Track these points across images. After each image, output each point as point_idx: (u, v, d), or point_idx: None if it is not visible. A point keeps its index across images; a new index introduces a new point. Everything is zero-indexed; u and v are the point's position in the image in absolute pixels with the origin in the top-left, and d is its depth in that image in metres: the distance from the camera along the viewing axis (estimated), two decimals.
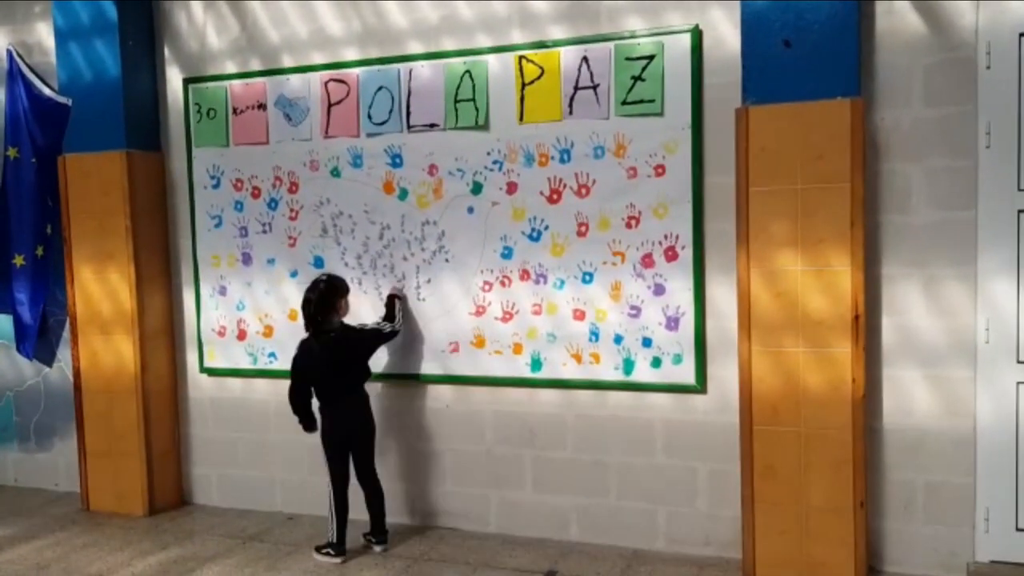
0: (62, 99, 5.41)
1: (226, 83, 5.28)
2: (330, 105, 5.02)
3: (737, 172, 4.10)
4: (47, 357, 5.95)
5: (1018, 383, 3.95)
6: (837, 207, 3.90)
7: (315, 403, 4.69)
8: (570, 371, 4.65)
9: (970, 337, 4.01)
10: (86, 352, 5.49)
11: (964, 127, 3.96)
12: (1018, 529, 4.00)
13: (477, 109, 4.70)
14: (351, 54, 5.02)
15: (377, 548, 4.69)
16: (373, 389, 5.11)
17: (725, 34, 4.27)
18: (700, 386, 4.42)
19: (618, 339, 4.54)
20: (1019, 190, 3.91)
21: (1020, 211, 3.91)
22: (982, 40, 3.93)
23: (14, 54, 5.61)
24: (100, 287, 5.41)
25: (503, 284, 4.75)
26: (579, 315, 4.61)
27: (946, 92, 3.97)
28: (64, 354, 5.80)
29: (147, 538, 5.02)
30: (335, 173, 5.06)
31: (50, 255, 5.66)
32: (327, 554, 4.60)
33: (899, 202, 4.06)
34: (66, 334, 5.74)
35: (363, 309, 5.02)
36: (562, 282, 4.63)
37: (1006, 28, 3.89)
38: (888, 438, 4.15)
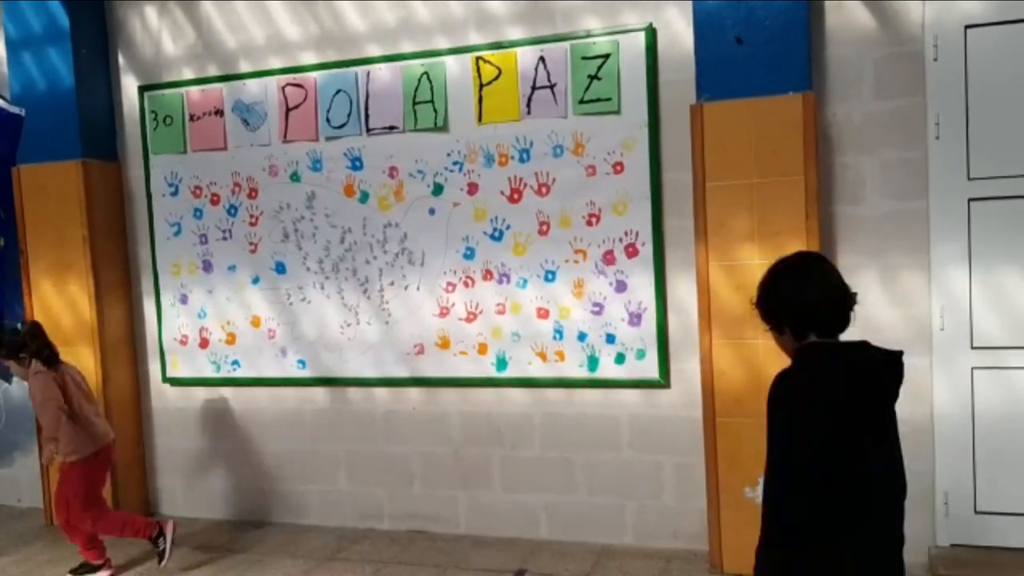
0: (15, 109, 5.31)
1: (182, 89, 5.24)
2: (288, 109, 5.00)
3: (694, 168, 4.14)
4: (6, 372, 5.85)
5: (973, 369, 4.03)
6: (792, 200, 3.96)
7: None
8: (536, 369, 4.67)
9: (926, 325, 4.08)
10: None
11: (914, 119, 4.04)
12: (977, 512, 4.08)
13: (436, 111, 4.70)
14: (308, 58, 5.00)
15: None
16: (338, 393, 5.10)
17: (679, 32, 4.32)
18: (664, 380, 4.46)
19: (582, 336, 4.57)
20: (969, 179, 4.00)
21: (970, 200, 4.00)
22: (929, 33, 4.01)
23: None
24: (59, 299, 5.34)
25: (467, 285, 4.75)
26: (543, 313, 4.63)
27: (895, 85, 4.05)
28: None
29: (114, 552, 4.94)
30: (295, 178, 5.04)
31: (3, 268, 5.55)
32: None
33: (853, 193, 4.13)
34: None
35: (327, 313, 5.01)
36: (525, 281, 4.65)
37: (952, 21, 3.98)
38: None
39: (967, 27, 3.96)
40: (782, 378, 2.15)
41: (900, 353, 2.30)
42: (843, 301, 2.22)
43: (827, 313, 2.21)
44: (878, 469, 2.16)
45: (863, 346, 2.24)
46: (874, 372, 2.21)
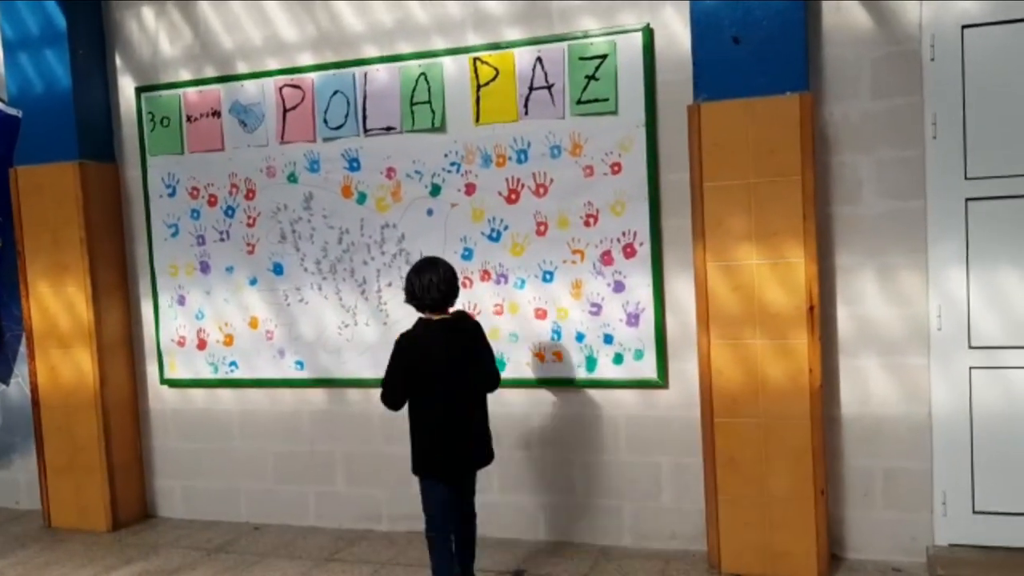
0: (12, 111, 5.31)
1: (180, 91, 5.23)
2: (286, 111, 5.00)
3: (691, 168, 4.14)
4: (4, 374, 5.84)
5: (971, 368, 4.03)
6: (790, 200, 3.96)
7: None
8: (534, 370, 4.67)
9: (923, 324, 4.08)
10: (44, 367, 5.41)
11: (911, 118, 4.04)
12: (975, 512, 4.08)
13: (433, 111, 4.70)
14: (306, 59, 5.00)
15: None
16: (336, 394, 5.10)
17: (676, 33, 4.31)
18: (662, 381, 4.45)
19: (580, 337, 4.56)
20: (966, 179, 3.99)
21: (968, 199, 4.00)
22: (926, 33, 4.01)
23: None
24: (56, 300, 5.33)
25: (464, 285, 4.74)
26: (541, 314, 4.63)
27: (893, 85, 4.05)
28: (21, 369, 5.70)
29: (111, 553, 4.95)
30: (292, 179, 5.03)
31: (1, 270, 5.55)
32: None
33: (850, 193, 4.13)
34: (23, 349, 5.63)
35: (325, 314, 5.00)
36: (523, 281, 4.65)
37: (949, 21, 3.98)
38: (846, 426, 4.22)
39: (964, 27, 3.96)
40: (402, 333, 3.81)
41: (465, 319, 3.93)
42: (441, 291, 3.73)
43: (429, 299, 3.74)
44: (443, 382, 3.73)
45: (451, 317, 3.83)
46: (441, 333, 3.76)
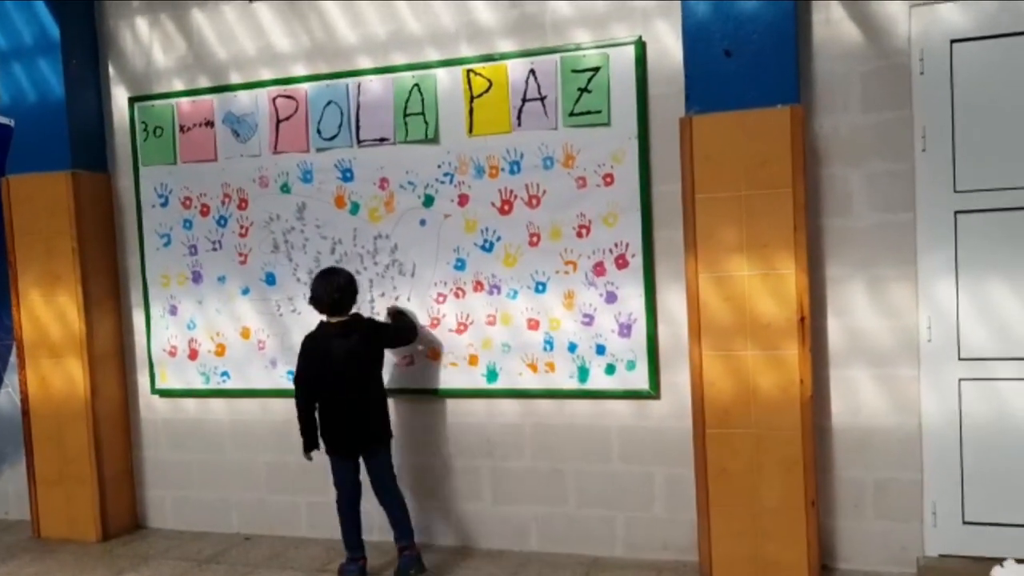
0: (4, 120, 5.30)
1: (173, 101, 5.24)
2: (279, 121, 5.01)
3: (683, 180, 4.17)
4: None
5: (960, 379, 4.06)
6: (780, 212, 3.99)
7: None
8: (526, 380, 4.68)
9: (913, 336, 4.11)
10: (34, 376, 5.39)
11: (901, 132, 4.07)
12: (965, 523, 4.10)
13: (427, 122, 4.72)
14: (299, 70, 5.01)
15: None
16: None
17: (668, 46, 4.35)
18: (654, 392, 4.47)
19: (572, 347, 4.58)
20: (955, 192, 4.03)
21: (957, 212, 4.03)
22: (915, 47, 4.05)
23: None
24: (48, 310, 5.32)
25: (457, 296, 4.76)
26: (533, 324, 4.64)
27: (882, 98, 4.09)
28: (11, 379, 5.68)
29: (101, 564, 4.92)
30: (285, 189, 5.04)
31: None
32: None
33: (840, 206, 4.16)
34: (13, 358, 5.61)
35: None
36: (516, 292, 4.66)
37: (938, 35, 4.02)
38: (837, 437, 4.24)
39: (953, 41, 4.00)
40: (307, 335, 4.46)
41: (360, 320, 4.47)
42: (335, 298, 4.31)
43: (327, 303, 4.33)
44: (330, 379, 4.33)
45: (348, 319, 4.40)
46: (329, 336, 4.36)
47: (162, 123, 5.26)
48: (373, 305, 4.90)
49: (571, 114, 4.47)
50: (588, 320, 4.54)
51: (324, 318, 4.40)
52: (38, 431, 5.42)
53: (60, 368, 5.32)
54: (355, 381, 4.37)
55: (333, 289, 4.29)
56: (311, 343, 4.42)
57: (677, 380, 4.42)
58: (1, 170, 5.34)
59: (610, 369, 4.52)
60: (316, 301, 4.35)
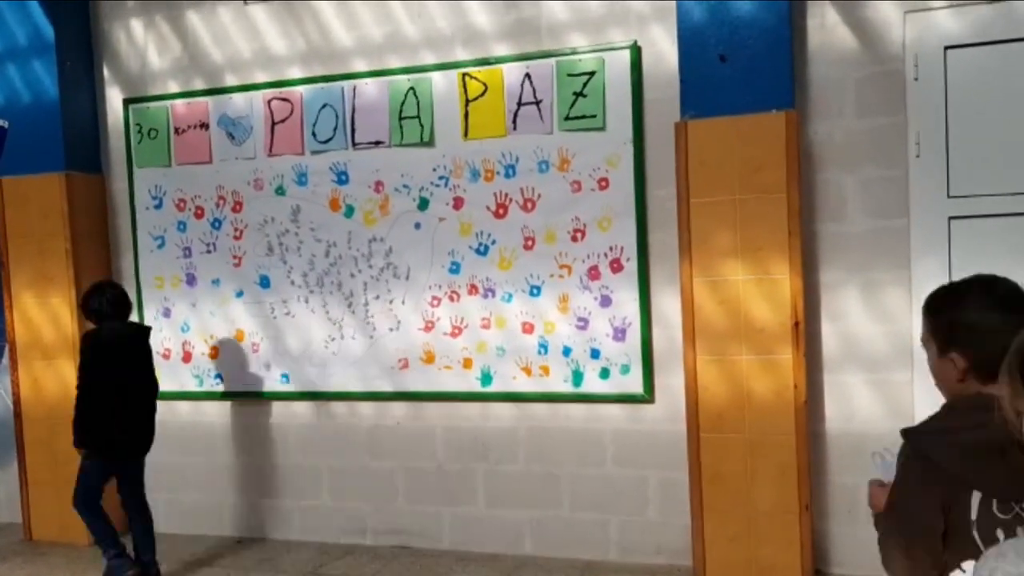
0: None
1: (168, 103, 5.23)
2: (274, 123, 5.00)
3: (678, 184, 4.17)
4: None
5: None
6: (775, 217, 4.00)
7: None
8: (521, 384, 4.68)
9: (907, 341, 4.11)
10: (27, 378, 5.37)
11: (895, 137, 4.09)
12: None
13: (422, 126, 4.72)
14: (295, 72, 5.01)
15: None
16: (322, 407, 5.08)
17: (664, 50, 4.35)
18: (648, 395, 4.47)
19: (567, 351, 4.58)
20: (949, 197, 4.04)
21: (951, 218, 4.04)
22: (910, 53, 4.06)
23: None
24: (41, 312, 5.30)
25: (452, 299, 4.76)
26: (528, 328, 4.64)
27: (877, 104, 4.10)
28: (4, 381, 5.65)
29: (92, 567, 4.89)
30: (280, 191, 5.03)
31: None
32: None
33: (835, 211, 4.17)
34: (5, 360, 5.59)
35: (312, 328, 5.00)
36: (510, 296, 4.66)
37: (932, 42, 4.03)
38: (831, 442, 4.24)
39: (947, 48, 4.01)
40: (85, 333, 4.55)
41: (138, 326, 4.65)
42: (106, 311, 4.43)
43: (104, 313, 4.38)
44: (125, 386, 4.43)
45: (132, 324, 4.59)
46: (123, 338, 4.44)
47: (157, 125, 5.25)
48: (367, 309, 4.90)
49: (566, 118, 4.47)
50: (583, 324, 4.54)
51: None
52: (30, 433, 5.39)
53: (53, 370, 5.30)
54: (139, 383, 4.57)
55: (106, 303, 4.40)
56: (94, 344, 4.44)
57: (671, 384, 4.42)
58: None
59: (604, 373, 4.52)
60: (95, 311, 4.43)
